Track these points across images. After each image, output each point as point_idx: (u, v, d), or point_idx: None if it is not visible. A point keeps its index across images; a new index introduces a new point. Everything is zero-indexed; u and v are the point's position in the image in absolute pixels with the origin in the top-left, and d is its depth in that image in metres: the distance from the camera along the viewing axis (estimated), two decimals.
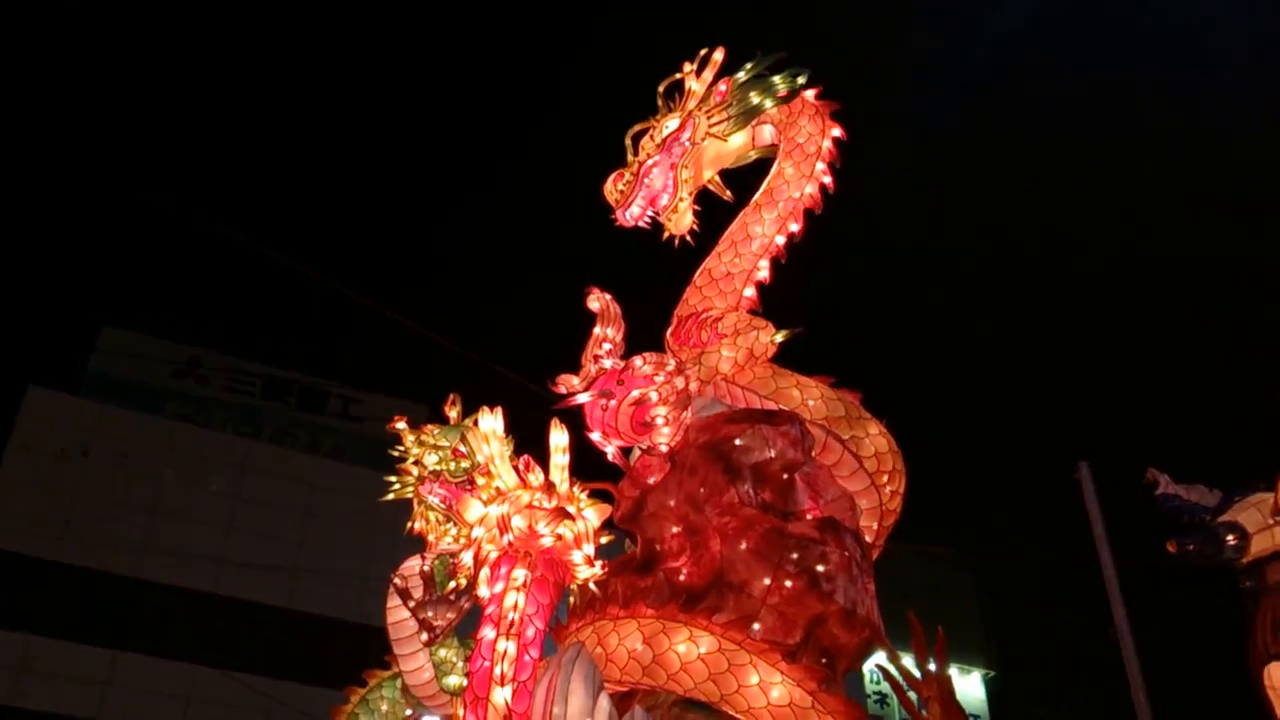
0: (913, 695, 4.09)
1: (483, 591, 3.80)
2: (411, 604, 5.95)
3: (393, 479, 6.48)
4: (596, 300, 4.95)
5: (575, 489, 3.92)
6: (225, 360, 24.76)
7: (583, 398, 4.66)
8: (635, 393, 4.69)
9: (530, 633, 3.66)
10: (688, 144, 5.57)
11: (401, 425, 6.57)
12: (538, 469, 3.89)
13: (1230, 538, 4.56)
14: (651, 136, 5.63)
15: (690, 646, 4.31)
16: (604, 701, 3.71)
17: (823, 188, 5.55)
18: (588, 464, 4.71)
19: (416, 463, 6.36)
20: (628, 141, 5.67)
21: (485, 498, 3.83)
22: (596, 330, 4.91)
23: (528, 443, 4.16)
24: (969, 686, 24.04)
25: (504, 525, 3.77)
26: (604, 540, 4.06)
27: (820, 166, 5.53)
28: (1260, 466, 4.50)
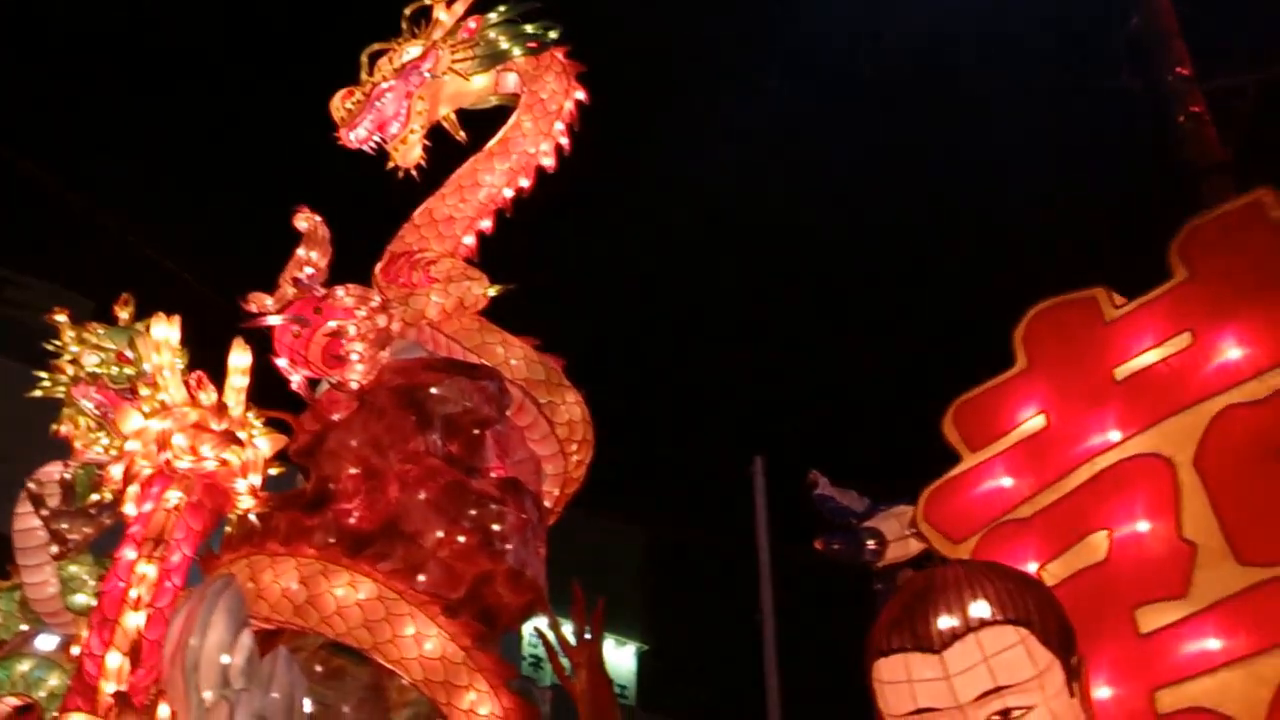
0: (565, 661, 4.12)
1: (129, 509, 3.52)
2: (45, 513, 5.42)
3: (44, 375, 5.88)
4: (305, 220, 4.69)
5: (250, 414, 3.70)
6: None
7: (273, 320, 4.40)
8: (332, 323, 4.48)
9: (176, 558, 3.43)
10: (427, 75, 5.36)
11: (62, 318, 5.95)
12: (211, 388, 3.63)
13: (870, 543, 4.93)
14: (390, 59, 5.39)
15: (349, 591, 4.18)
16: (246, 638, 3.49)
17: (559, 148, 5.48)
18: (269, 391, 4.46)
19: (74, 361, 5.78)
20: (364, 59, 5.40)
21: (147, 410, 3.55)
22: (300, 252, 4.66)
23: (205, 360, 3.87)
24: (623, 659, 24.90)
25: (163, 442, 3.50)
26: (273, 472, 3.86)
27: (559, 126, 5.46)
28: (917, 479, 4.85)
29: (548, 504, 5.17)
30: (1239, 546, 4.00)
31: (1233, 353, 4.26)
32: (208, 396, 3.57)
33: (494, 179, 5.38)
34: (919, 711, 2.67)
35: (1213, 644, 3.95)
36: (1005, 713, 2.62)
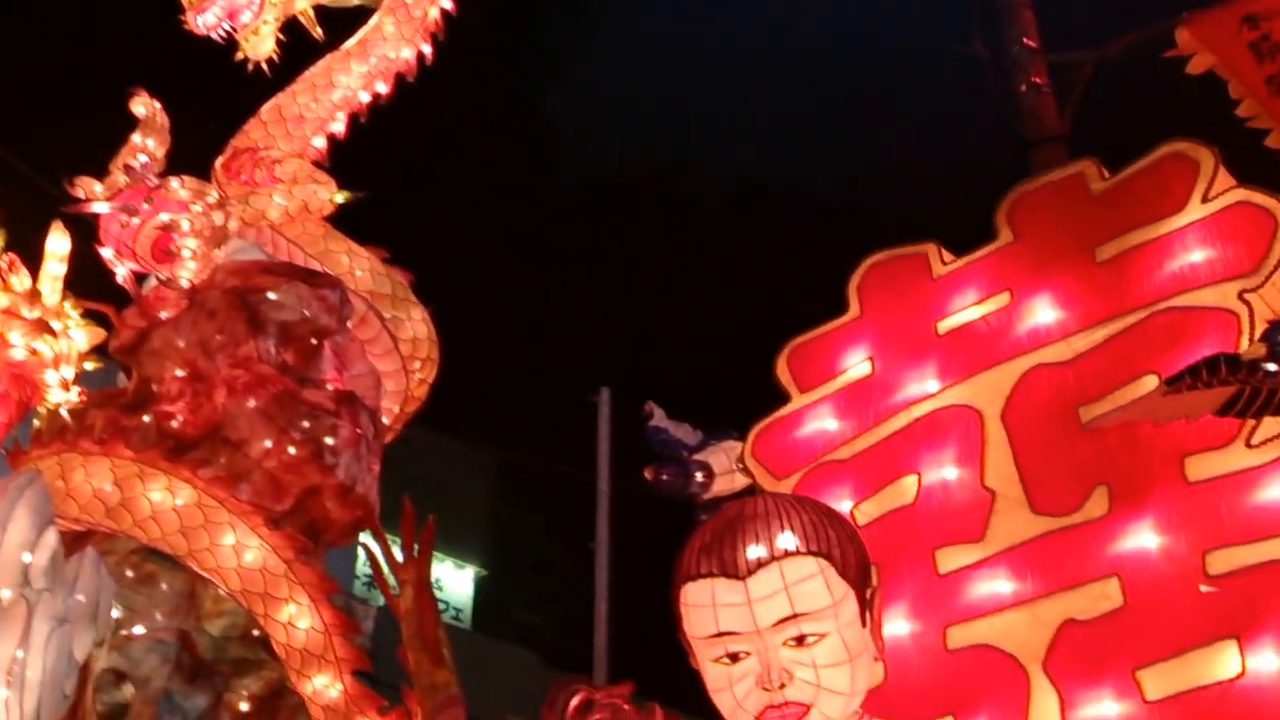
0: (391, 579, 4.11)
1: None
2: None
3: None
4: (142, 105, 4.47)
5: (67, 304, 3.54)
6: None
7: (101, 207, 4.21)
8: (164, 216, 4.30)
9: None
10: None
11: None
12: (25, 273, 3.46)
13: (698, 475, 5.06)
14: None
15: (166, 496, 4.08)
16: (50, 537, 3.37)
17: (420, 56, 5.35)
18: (91, 282, 4.28)
19: None
20: None
21: None
22: (135, 138, 4.45)
23: (22, 245, 3.68)
24: (460, 584, 24.87)
25: None
26: (89, 367, 3.71)
27: (423, 33, 5.32)
28: (752, 415, 4.99)
29: (386, 421, 5.10)
30: (1034, 497, 4.25)
31: (1045, 315, 4.49)
32: (20, 282, 3.40)
33: (350, 81, 5.22)
34: (720, 634, 2.77)
35: (1003, 586, 4.20)
36: (800, 638, 2.74)
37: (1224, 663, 3.67)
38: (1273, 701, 3.55)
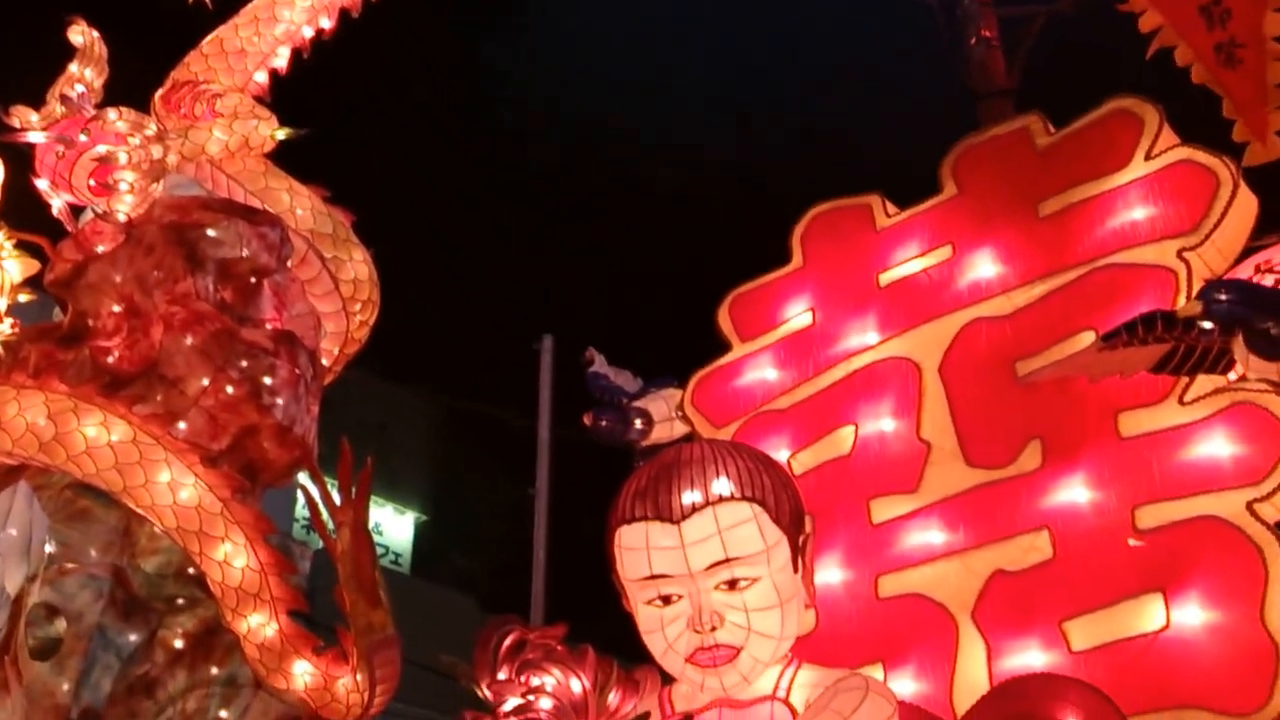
0: (329, 520, 4.10)
1: None
2: None
3: None
4: (80, 33, 4.36)
5: (1, 235, 3.47)
6: None
7: (36, 136, 4.11)
8: (101, 148, 4.20)
9: None
10: None
11: None
12: None
13: (638, 422, 5.09)
14: None
15: (101, 431, 4.01)
16: None
17: None
18: (25, 213, 4.19)
19: None
20: None
21: None
22: (73, 67, 4.34)
23: None
24: (401, 529, 24.81)
25: None
26: (23, 299, 3.64)
27: None
28: (693, 364, 5.00)
29: (326, 363, 5.05)
30: (969, 450, 4.33)
31: (986, 269, 4.55)
32: None
33: (293, 15, 5.09)
34: (653, 577, 2.82)
35: (935, 537, 4.29)
36: (732, 582, 2.79)
37: (1149, 615, 3.77)
38: (1195, 653, 3.65)
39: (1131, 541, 3.90)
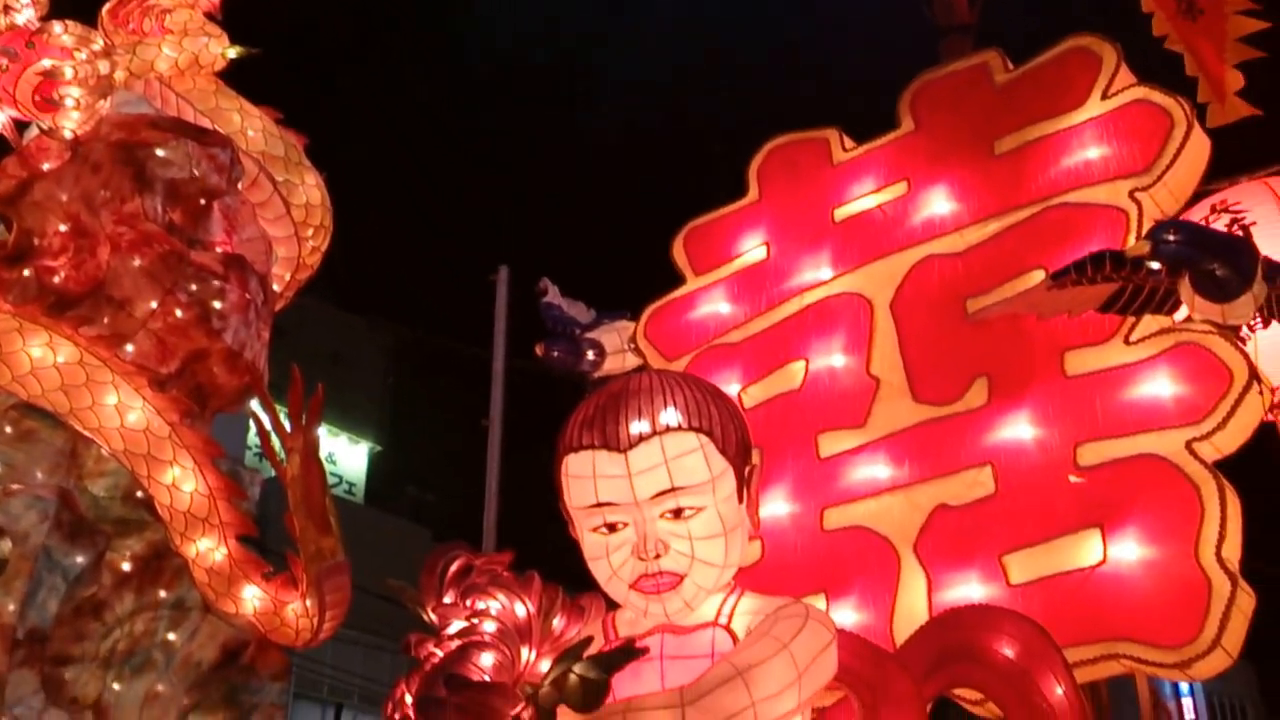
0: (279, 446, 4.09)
1: None
2: None
3: None
4: None
5: None
6: None
7: None
8: (46, 62, 4.09)
9: None
10: None
11: None
12: None
13: (591, 353, 5.11)
14: None
15: (47, 352, 3.96)
16: None
17: None
18: None
19: None
20: None
21: None
22: None
23: None
24: (354, 459, 24.80)
25: None
26: None
27: None
28: (648, 296, 4.99)
29: (277, 288, 5.00)
30: (917, 386, 4.37)
31: (940, 206, 4.56)
32: None
33: None
34: (599, 505, 2.83)
35: (881, 471, 4.34)
36: (678, 511, 2.81)
37: (1087, 550, 3.84)
38: (1130, 588, 3.72)
39: (1072, 478, 3.96)
